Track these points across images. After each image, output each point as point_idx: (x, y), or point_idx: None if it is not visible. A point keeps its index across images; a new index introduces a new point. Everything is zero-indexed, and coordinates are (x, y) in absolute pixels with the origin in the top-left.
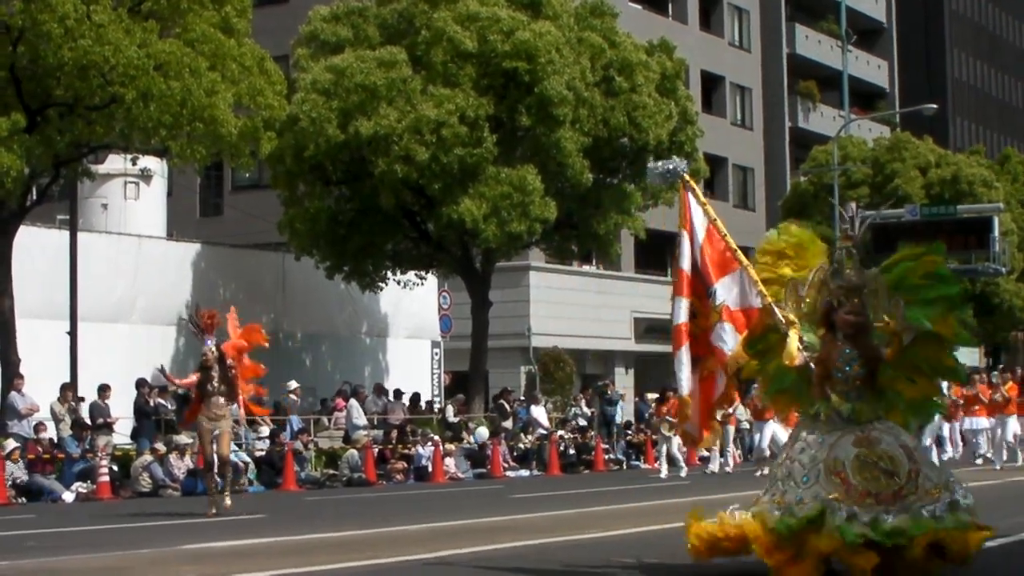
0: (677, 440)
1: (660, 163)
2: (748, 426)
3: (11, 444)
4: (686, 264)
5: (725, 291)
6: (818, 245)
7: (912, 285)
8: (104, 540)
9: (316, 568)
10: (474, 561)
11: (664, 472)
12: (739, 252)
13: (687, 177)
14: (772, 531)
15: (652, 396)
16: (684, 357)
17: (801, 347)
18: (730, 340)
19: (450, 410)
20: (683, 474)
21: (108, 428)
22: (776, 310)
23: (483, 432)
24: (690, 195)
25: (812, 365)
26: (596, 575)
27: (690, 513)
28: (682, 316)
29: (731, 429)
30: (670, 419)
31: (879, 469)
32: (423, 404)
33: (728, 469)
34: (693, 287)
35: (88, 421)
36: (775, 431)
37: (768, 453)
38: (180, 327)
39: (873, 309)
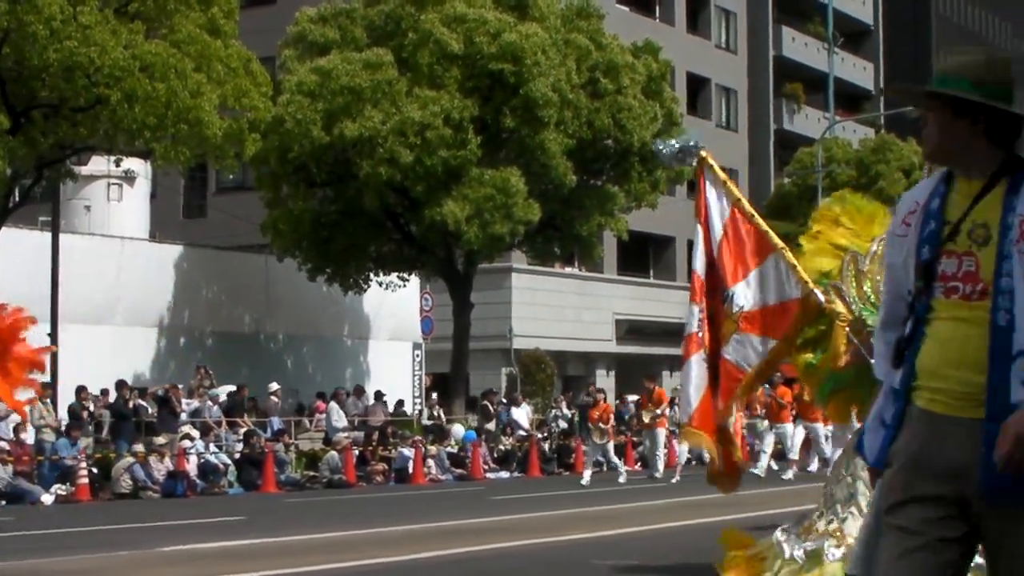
0: (611, 446)
1: (670, 142)
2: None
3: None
4: (699, 265)
5: (749, 291)
6: (883, 213)
7: None
8: (84, 542)
9: (298, 569)
10: (457, 563)
11: (587, 479)
12: (772, 234)
13: (704, 155)
14: None
15: (632, 398)
16: (693, 369)
17: (851, 343)
18: (751, 353)
19: (425, 412)
20: (658, 474)
21: (88, 430)
22: (822, 299)
23: (460, 429)
24: (707, 177)
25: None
26: None
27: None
28: (693, 325)
29: (661, 432)
30: (602, 426)
31: None
32: (408, 409)
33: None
34: (708, 291)
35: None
36: None
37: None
38: (162, 329)
39: None
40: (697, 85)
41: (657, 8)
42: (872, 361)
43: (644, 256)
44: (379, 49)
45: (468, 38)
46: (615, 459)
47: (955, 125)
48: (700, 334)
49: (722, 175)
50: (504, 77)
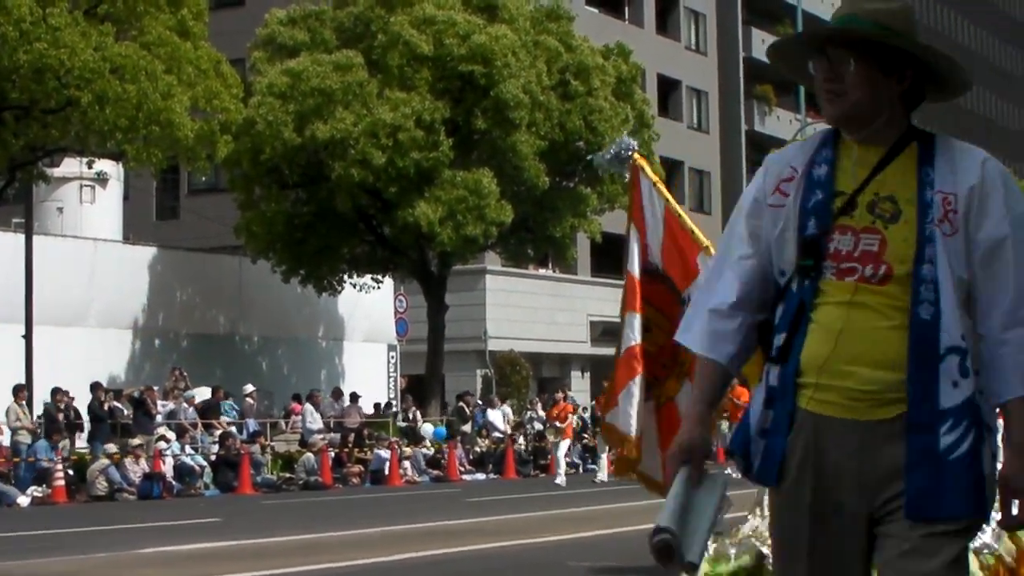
0: (564, 445)
1: (604, 151)
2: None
3: None
4: (635, 267)
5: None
6: None
7: None
8: (60, 544)
9: (275, 571)
10: (434, 564)
11: (562, 479)
12: (698, 233)
13: (637, 157)
14: None
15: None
16: (635, 389)
17: None
18: None
19: (400, 414)
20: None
21: (64, 432)
22: None
23: (429, 428)
24: (641, 177)
25: None
26: None
27: None
28: (635, 336)
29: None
30: (558, 424)
31: None
32: (390, 408)
33: None
34: (649, 296)
35: (43, 424)
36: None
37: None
38: (136, 331)
39: None
40: (668, 87)
41: (626, 10)
42: None
43: (618, 258)
44: (349, 51)
45: (438, 40)
46: (561, 459)
47: (883, 82)
48: (641, 345)
49: (654, 176)
50: (474, 79)
